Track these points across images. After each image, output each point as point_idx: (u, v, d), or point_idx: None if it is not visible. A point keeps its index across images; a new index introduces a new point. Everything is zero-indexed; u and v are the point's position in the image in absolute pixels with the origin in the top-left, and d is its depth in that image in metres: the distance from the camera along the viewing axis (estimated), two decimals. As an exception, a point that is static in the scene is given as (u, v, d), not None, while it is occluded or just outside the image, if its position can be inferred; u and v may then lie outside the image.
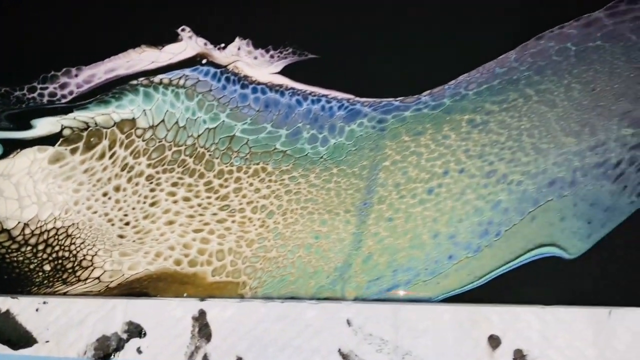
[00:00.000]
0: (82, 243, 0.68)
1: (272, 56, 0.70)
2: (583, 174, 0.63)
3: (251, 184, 0.67)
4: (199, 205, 0.68)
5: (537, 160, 0.64)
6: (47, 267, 0.68)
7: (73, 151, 0.71)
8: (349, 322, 0.63)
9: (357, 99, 0.68)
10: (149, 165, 0.69)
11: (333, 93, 0.68)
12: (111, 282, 0.67)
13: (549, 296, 0.62)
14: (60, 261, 0.68)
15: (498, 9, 0.67)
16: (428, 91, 0.67)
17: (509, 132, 0.65)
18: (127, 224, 0.68)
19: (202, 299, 0.66)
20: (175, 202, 0.68)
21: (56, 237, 0.69)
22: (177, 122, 0.70)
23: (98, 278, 0.67)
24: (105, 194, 0.69)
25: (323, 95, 0.68)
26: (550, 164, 0.64)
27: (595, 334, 0.60)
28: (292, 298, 0.65)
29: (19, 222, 0.70)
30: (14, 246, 0.69)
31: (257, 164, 0.68)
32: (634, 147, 0.63)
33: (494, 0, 0.68)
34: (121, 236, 0.68)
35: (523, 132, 0.65)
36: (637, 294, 0.61)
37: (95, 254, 0.68)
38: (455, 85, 0.66)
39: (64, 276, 0.68)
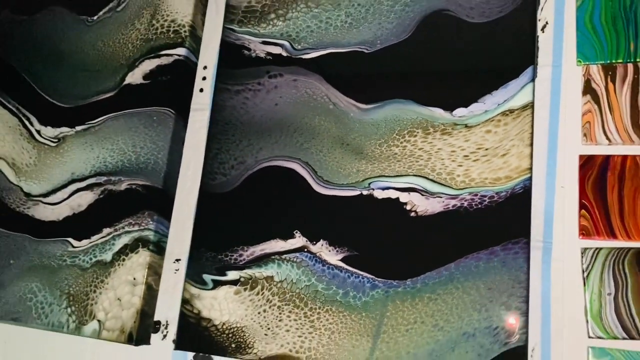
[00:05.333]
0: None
1: (337, 251, 1.42)
2: None
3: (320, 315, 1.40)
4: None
5: None
6: None
7: (244, 289, 1.48)
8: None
9: (376, 278, 1.37)
10: (278, 300, 1.44)
11: (365, 274, 1.39)
12: None
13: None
14: None
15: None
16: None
17: None
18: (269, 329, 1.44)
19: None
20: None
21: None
22: (292, 280, 1.44)
23: None
24: (258, 312, 1.46)
25: (360, 274, 1.39)
26: None
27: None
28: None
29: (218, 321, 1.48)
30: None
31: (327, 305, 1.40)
32: None
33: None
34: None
35: None
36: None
37: None
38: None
39: None
